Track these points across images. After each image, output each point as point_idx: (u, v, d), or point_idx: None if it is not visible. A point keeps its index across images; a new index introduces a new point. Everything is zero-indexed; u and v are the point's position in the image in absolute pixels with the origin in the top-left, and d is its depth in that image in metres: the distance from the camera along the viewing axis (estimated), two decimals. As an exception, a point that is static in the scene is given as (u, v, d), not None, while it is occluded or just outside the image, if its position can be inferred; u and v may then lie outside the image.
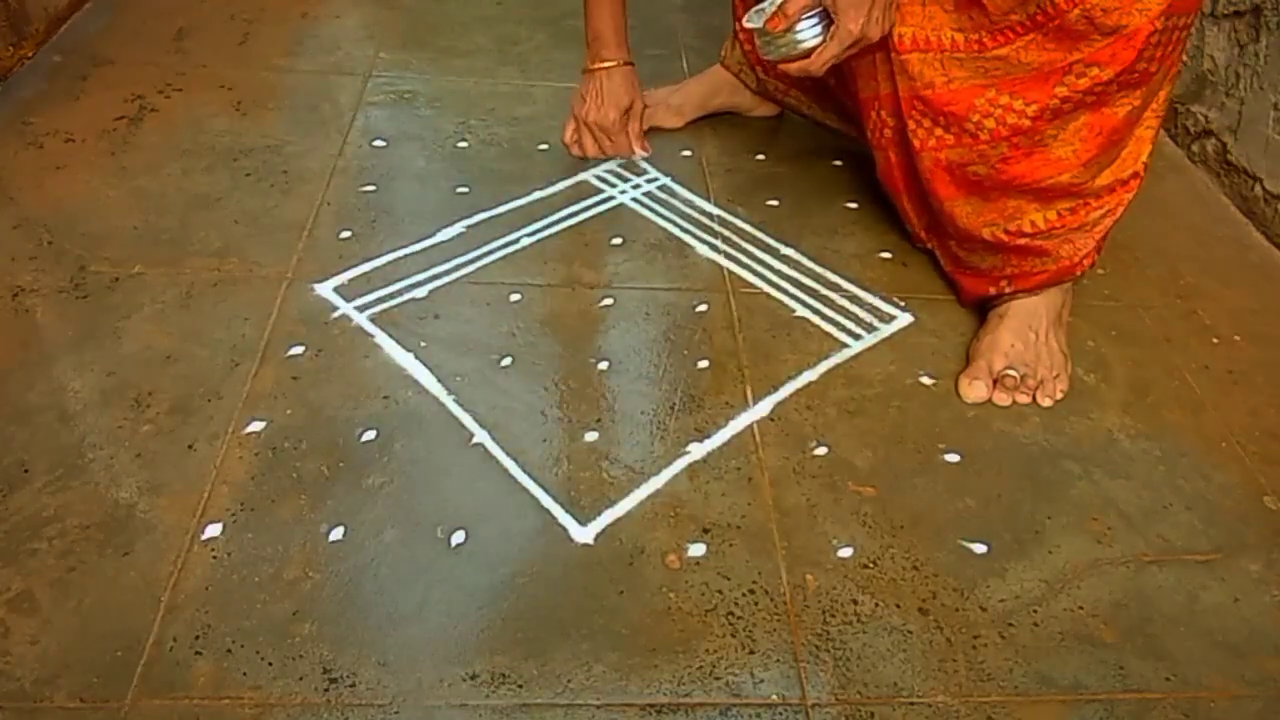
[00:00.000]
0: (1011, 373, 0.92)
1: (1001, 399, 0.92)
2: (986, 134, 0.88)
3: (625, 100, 1.13)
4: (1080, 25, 0.80)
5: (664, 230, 1.09)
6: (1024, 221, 0.92)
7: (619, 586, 0.73)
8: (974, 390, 0.92)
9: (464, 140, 1.20)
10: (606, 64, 1.11)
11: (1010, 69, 0.85)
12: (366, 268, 0.99)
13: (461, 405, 0.86)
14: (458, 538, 0.75)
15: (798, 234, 1.10)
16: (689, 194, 1.15)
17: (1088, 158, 0.87)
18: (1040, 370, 0.93)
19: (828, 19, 0.88)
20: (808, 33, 0.88)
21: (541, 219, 1.09)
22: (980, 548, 0.78)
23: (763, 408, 0.89)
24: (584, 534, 0.76)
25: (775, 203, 1.15)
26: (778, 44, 0.90)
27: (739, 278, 1.03)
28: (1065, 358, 0.96)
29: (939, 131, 0.92)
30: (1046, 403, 0.93)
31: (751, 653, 0.69)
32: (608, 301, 0.99)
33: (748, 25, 0.93)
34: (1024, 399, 0.93)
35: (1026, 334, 0.95)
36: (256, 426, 0.82)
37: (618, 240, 1.07)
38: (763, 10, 0.92)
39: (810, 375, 0.92)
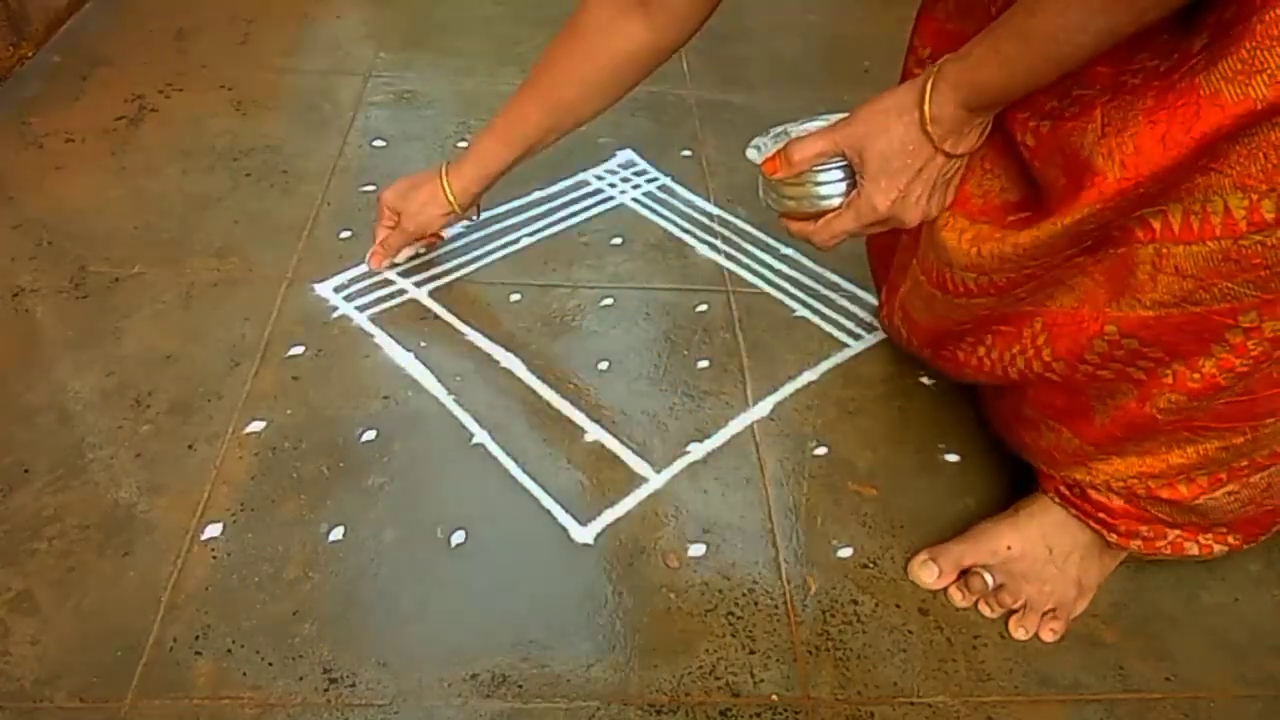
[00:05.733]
0: (984, 575, 0.73)
1: (957, 599, 0.74)
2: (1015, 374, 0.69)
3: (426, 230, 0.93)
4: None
5: (664, 230, 1.09)
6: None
7: (619, 586, 0.73)
8: (924, 572, 0.74)
9: (464, 140, 1.20)
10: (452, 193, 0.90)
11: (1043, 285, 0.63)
12: (366, 268, 0.99)
13: (461, 405, 0.86)
14: (458, 538, 0.75)
15: (798, 234, 1.10)
16: (689, 194, 1.15)
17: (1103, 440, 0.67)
18: (1026, 590, 0.72)
19: (852, 176, 0.65)
20: (830, 188, 0.65)
21: (541, 219, 1.09)
22: (980, 548, 0.78)
23: (763, 408, 0.89)
24: (584, 534, 0.76)
25: (775, 203, 1.15)
26: (782, 193, 0.68)
27: (739, 278, 1.03)
28: (1080, 594, 0.73)
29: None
30: (1020, 634, 0.71)
31: (751, 653, 0.69)
32: (608, 301, 0.99)
33: (748, 155, 0.70)
34: (989, 613, 0.73)
35: (1038, 546, 0.73)
36: (256, 426, 0.82)
37: (618, 240, 1.07)
38: (768, 140, 0.70)
39: (810, 375, 0.92)
